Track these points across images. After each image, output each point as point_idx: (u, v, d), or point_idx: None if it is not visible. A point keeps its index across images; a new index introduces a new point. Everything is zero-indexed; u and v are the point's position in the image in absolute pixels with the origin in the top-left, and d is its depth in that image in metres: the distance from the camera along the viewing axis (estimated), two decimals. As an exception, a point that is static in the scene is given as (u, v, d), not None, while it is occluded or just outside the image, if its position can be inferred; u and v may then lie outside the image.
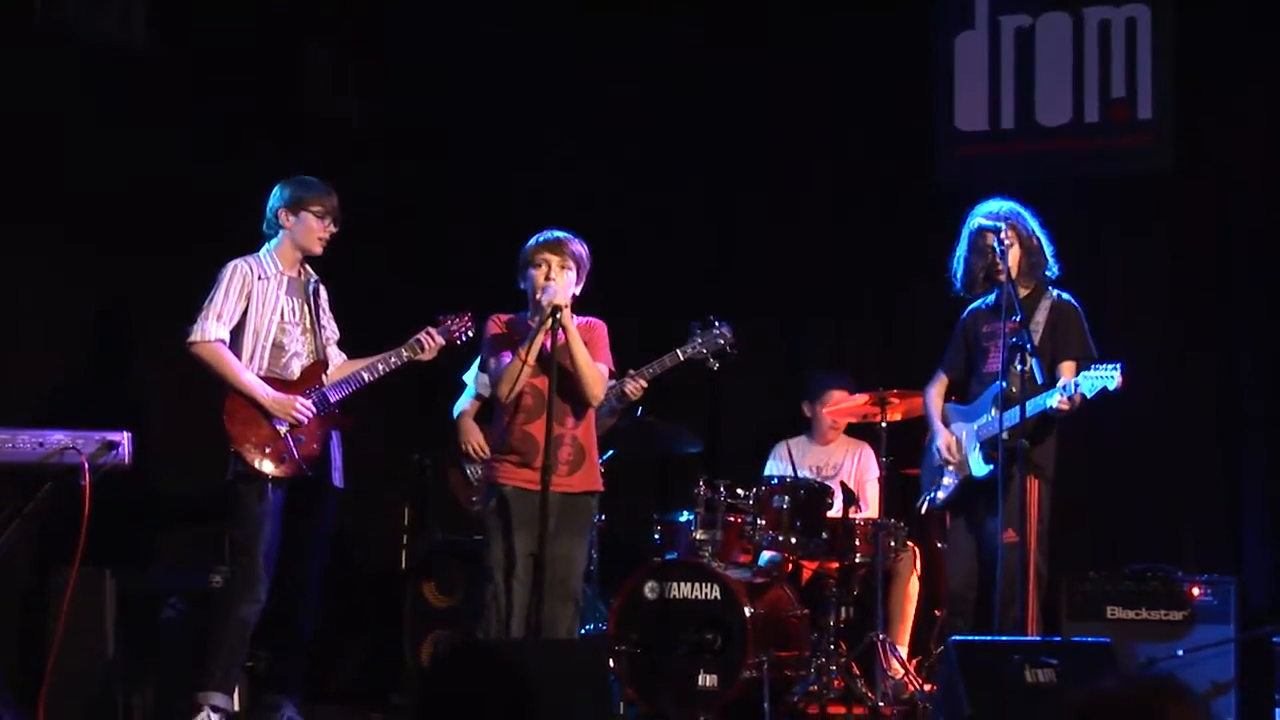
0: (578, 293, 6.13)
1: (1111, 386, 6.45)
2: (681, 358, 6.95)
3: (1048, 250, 6.91)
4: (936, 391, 7.18)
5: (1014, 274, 6.72)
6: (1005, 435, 6.51)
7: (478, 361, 7.30)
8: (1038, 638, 6.35)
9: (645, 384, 7.00)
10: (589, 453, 6.18)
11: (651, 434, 7.78)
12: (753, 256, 8.85)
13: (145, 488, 7.11)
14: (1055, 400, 6.52)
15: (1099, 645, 5.93)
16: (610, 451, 7.31)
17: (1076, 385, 6.51)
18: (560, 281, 6.02)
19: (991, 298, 6.96)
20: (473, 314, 6.68)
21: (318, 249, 6.68)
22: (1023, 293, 6.77)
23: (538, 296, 6.01)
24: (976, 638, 6.21)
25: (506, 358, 6.06)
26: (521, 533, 5.98)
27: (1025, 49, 8.52)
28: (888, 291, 8.68)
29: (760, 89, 8.83)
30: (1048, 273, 6.91)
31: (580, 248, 6.16)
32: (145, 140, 7.62)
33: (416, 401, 8.42)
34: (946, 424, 7.06)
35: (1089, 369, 6.55)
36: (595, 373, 6.08)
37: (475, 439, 7.58)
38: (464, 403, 7.71)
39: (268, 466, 6.40)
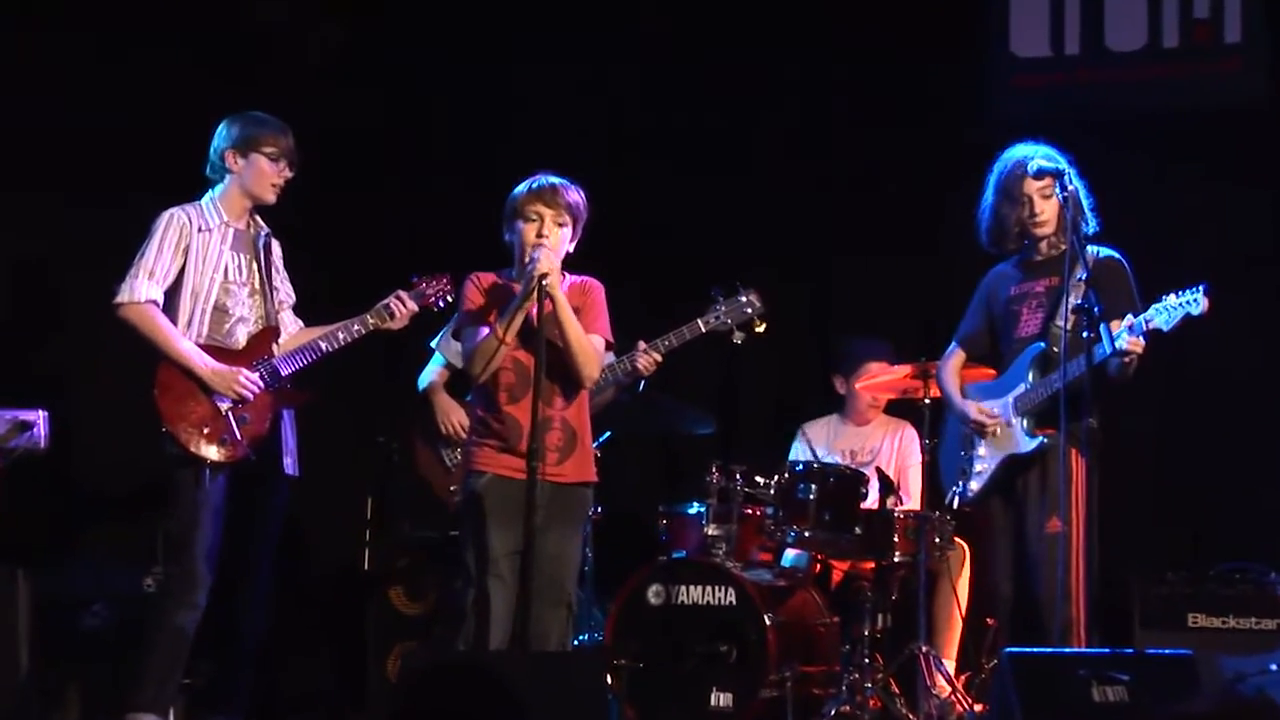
0: (572, 249, 6.11)
1: (1196, 312, 6.33)
2: (703, 329, 6.99)
3: (1086, 203, 6.88)
4: (953, 367, 7.11)
5: (1054, 228, 6.76)
6: (1065, 383, 6.42)
7: (449, 326, 7.31)
8: (1107, 649, 6.34)
9: (659, 358, 7.02)
10: (582, 437, 6.13)
11: (656, 412, 7.78)
12: (775, 207, 8.83)
13: (65, 475, 7.15)
14: (1125, 341, 6.43)
15: (1178, 658, 5.90)
16: (608, 433, 7.32)
17: (1148, 320, 6.39)
18: (553, 239, 5.97)
19: (1024, 255, 6.94)
20: (451, 276, 6.67)
21: (270, 197, 6.68)
22: (1060, 249, 6.75)
23: (525, 258, 5.98)
24: (1034, 649, 6.21)
25: (485, 331, 6.03)
26: (504, 528, 5.96)
27: (1093, -38, 8.53)
28: (931, 245, 8.66)
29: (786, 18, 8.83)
30: (1085, 228, 6.87)
31: (576, 196, 6.10)
32: (69, 69, 7.62)
33: (382, 374, 8.42)
34: None
35: (1160, 300, 6.47)
36: (588, 348, 6.02)
37: (456, 417, 7.54)
38: (431, 373, 7.69)
39: (206, 449, 6.39)
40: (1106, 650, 6.21)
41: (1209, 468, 8.09)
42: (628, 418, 7.57)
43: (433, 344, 7.65)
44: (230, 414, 6.43)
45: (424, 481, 7.72)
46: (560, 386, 6.05)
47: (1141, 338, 6.42)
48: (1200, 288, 6.36)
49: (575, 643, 6.70)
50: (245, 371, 6.47)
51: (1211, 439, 8.08)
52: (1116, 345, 6.39)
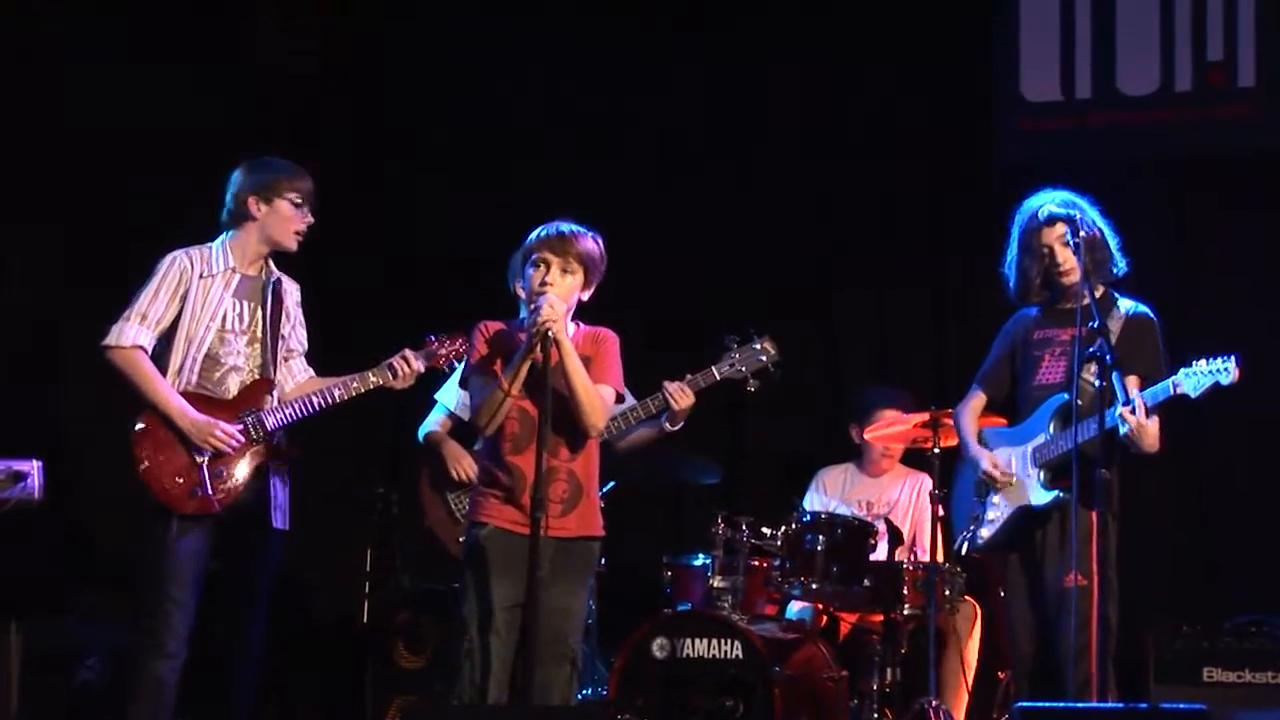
0: (585, 298, 6.05)
1: (1225, 382, 6.30)
2: (718, 376, 6.98)
3: (1112, 243, 6.87)
4: (971, 410, 7.07)
5: (1076, 276, 6.66)
6: (1078, 442, 6.41)
7: (455, 376, 7.31)
8: (1119, 704, 6.34)
9: (691, 395, 7.01)
10: (588, 490, 6.08)
11: (661, 461, 7.78)
12: (783, 247, 8.85)
13: (59, 525, 7.13)
14: (1119, 416, 6.36)
15: (1194, 713, 5.91)
16: (611, 483, 7.31)
17: (1176, 385, 6.36)
18: (560, 289, 5.90)
19: (1051, 301, 6.93)
20: (466, 336, 6.64)
21: (293, 244, 6.64)
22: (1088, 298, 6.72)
23: (531, 307, 5.91)
24: (1047, 704, 6.20)
25: (492, 384, 5.96)
26: (504, 581, 5.91)
27: (1105, 4, 8.54)
28: (943, 290, 8.69)
29: (794, 56, 8.87)
30: (1114, 270, 6.87)
31: (591, 245, 6.02)
32: (70, 108, 7.64)
33: (383, 425, 8.42)
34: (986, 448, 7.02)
35: (1190, 364, 6.45)
36: (595, 398, 5.95)
37: (466, 463, 7.49)
38: (432, 423, 7.65)
39: (177, 500, 6.33)
40: (1120, 705, 6.22)
41: (1227, 521, 8.08)
42: (633, 468, 7.56)
43: (438, 395, 7.64)
44: (205, 467, 6.35)
45: (432, 535, 7.65)
46: (566, 437, 6.00)
47: (1149, 417, 6.39)
48: (1232, 357, 6.32)
49: (579, 698, 6.69)
50: (223, 425, 6.39)
51: (1230, 494, 8.08)
52: (1116, 418, 6.35)
